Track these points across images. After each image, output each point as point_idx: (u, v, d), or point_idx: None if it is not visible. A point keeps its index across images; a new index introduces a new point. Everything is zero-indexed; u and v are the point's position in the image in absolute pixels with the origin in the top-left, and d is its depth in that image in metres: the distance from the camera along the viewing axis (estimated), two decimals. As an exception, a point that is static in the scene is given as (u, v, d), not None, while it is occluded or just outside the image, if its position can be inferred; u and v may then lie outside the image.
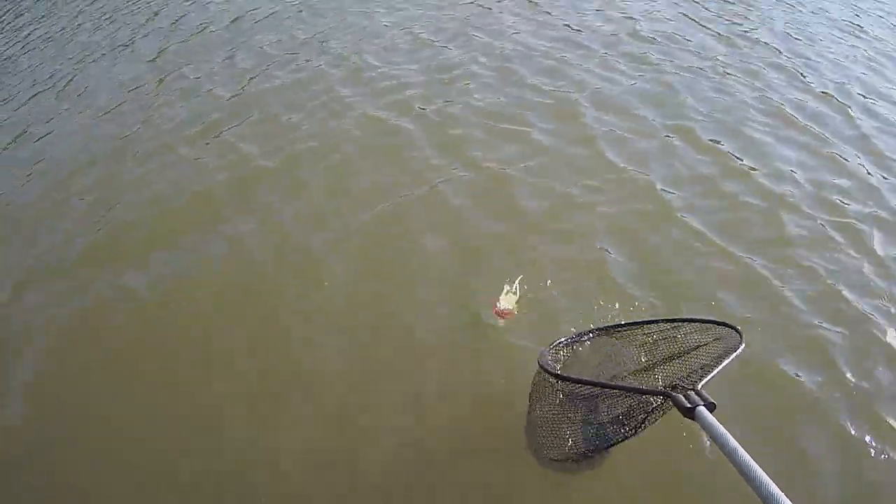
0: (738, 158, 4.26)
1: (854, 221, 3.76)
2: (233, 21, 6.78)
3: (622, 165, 4.16)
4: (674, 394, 1.84)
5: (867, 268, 3.44)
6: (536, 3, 6.54)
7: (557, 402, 2.32)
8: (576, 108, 4.76)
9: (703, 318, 2.24)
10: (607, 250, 3.48)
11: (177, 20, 7.12)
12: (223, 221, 3.92)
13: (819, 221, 3.74)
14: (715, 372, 1.90)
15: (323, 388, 2.88)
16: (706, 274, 3.35)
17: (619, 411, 2.11)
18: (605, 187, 3.97)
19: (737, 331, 2.08)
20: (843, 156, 4.36)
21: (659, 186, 3.98)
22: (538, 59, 5.47)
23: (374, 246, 3.61)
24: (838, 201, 3.92)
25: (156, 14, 7.36)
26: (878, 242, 3.62)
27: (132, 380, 3.04)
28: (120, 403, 2.93)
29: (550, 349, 2.45)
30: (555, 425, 2.31)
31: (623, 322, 2.53)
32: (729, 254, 3.46)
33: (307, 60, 5.71)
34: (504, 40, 5.80)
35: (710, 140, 4.44)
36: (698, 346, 2.21)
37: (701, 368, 2.06)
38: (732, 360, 1.93)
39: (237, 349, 3.10)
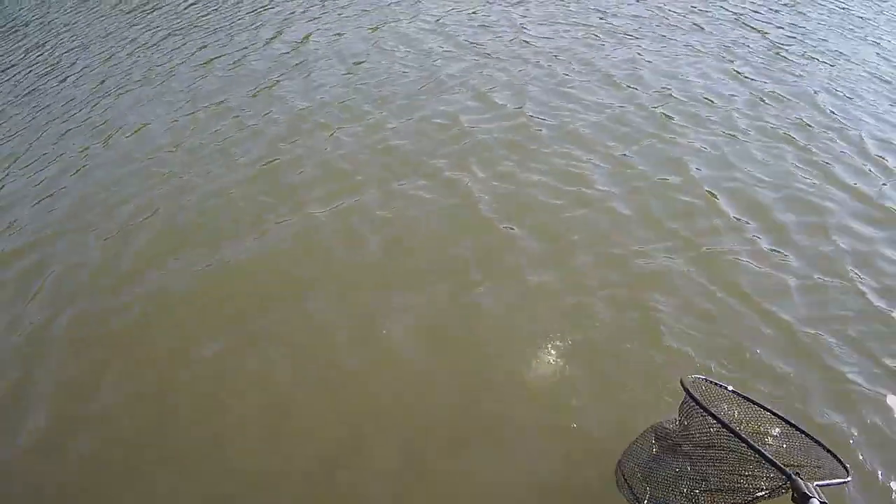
0: (757, 235, 4.32)
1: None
2: (268, 68, 7.20)
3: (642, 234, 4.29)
4: (797, 477, 1.95)
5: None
6: (588, 64, 6.80)
7: (672, 435, 2.41)
8: (590, 174, 4.89)
9: (823, 442, 2.34)
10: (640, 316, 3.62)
11: (211, 60, 7.63)
12: (242, 264, 4.21)
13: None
14: (827, 482, 2.05)
15: (321, 421, 3.14)
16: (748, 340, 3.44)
17: (726, 479, 2.16)
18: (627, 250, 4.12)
19: (845, 468, 2.23)
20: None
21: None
22: (564, 122, 5.62)
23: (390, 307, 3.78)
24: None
25: (191, 55, 7.87)
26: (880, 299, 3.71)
27: (148, 402, 3.33)
28: (137, 426, 3.22)
29: (694, 380, 2.47)
30: (656, 462, 2.40)
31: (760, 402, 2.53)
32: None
33: (334, 114, 5.99)
34: (530, 101, 6.01)
35: (736, 207, 4.53)
36: (809, 463, 2.29)
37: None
38: (837, 483, 2.12)
39: (248, 377, 3.40)
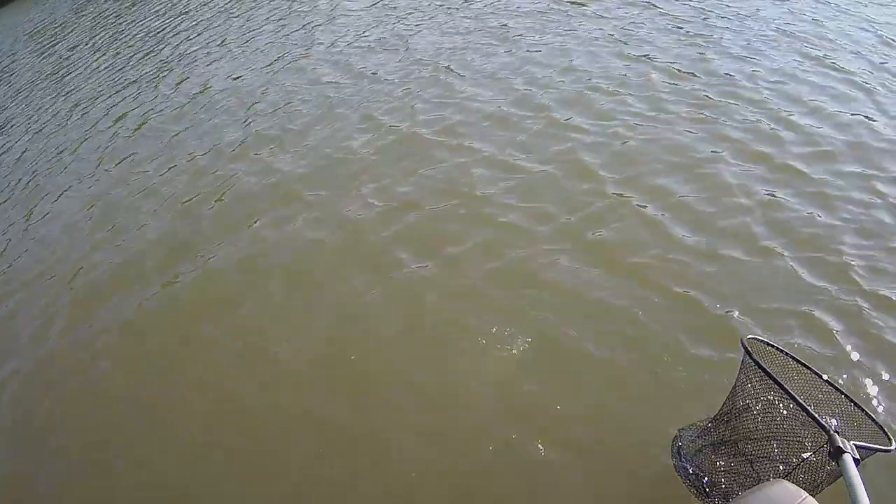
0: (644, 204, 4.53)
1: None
2: (171, 122, 7.67)
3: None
4: (833, 432, 2.06)
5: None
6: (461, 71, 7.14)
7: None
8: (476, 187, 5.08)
9: (869, 413, 2.40)
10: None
11: (118, 121, 8.19)
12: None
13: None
14: (867, 445, 2.13)
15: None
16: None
17: (770, 442, 2.31)
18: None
19: (889, 438, 2.27)
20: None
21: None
22: (459, 133, 5.89)
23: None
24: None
25: (102, 117, 8.40)
26: (800, 267, 3.89)
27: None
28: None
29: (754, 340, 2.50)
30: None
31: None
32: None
33: (236, 156, 6.45)
34: (453, 105, 6.33)
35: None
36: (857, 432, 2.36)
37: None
38: (879, 450, 2.19)
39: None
